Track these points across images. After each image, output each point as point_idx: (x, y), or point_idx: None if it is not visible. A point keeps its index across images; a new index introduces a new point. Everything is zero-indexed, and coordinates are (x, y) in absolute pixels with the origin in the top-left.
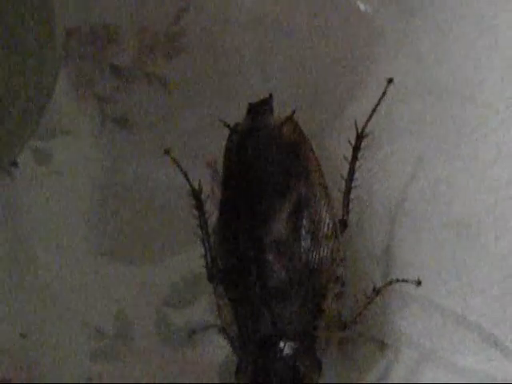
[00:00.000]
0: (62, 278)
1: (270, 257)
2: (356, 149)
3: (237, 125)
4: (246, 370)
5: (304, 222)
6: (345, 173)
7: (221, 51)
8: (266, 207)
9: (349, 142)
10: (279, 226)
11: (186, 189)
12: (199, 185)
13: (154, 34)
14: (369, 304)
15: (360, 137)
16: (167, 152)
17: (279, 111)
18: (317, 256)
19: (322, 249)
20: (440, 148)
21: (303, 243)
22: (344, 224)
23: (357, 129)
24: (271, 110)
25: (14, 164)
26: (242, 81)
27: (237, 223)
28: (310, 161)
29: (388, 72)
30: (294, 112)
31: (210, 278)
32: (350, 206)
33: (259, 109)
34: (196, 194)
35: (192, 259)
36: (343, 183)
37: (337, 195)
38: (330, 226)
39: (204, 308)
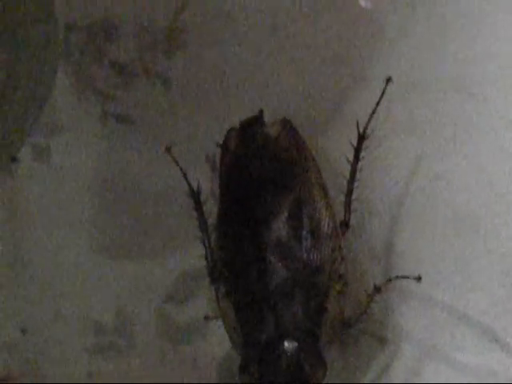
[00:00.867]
0: (62, 274)
1: (272, 257)
2: (358, 150)
3: (231, 129)
4: (250, 371)
5: (304, 221)
6: (343, 171)
7: (221, 47)
8: (265, 208)
9: (350, 143)
10: (279, 226)
11: (186, 187)
12: (198, 186)
13: (154, 30)
14: (370, 302)
15: (362, 138)
16: (168, 150)
17: (278, 110)
18: (318, 255)
19: (323, 248)
20: (439, 144)
21: (304, 243)
22: (346, 225)
23: (358, 129)
24: (262, 125)
25: (14, 160)
26: (241, 77)
27: (236, 225)
28: (308, 161)
29: (387, 68)
30: (285, 119)
31: (212, 280)
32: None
33: (251, 125)
34: (195, 196)
35: (192, 255)
36: (342, 181)
37: (336, 194)
38: (331, 225)
39: (204, 304)
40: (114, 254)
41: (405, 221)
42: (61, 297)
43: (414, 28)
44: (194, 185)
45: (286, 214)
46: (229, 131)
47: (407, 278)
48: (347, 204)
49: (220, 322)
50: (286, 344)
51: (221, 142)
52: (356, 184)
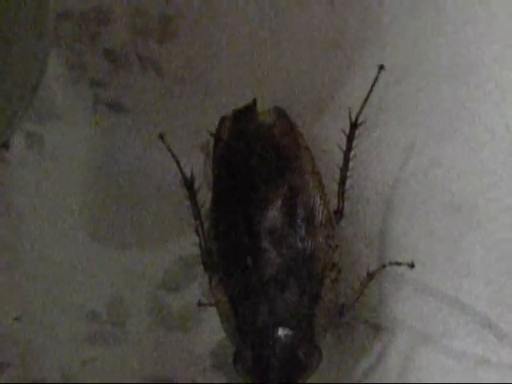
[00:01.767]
0: (56, 263)
1: (266, 245)
2: (350, 138)
3: (224, 118)
4: (244, 359)
5: (298, 209)
6: (337, 159)
7: (214, 34)
8: (259, 196)
9: (342, 131)
10: (273, 215)
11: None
12: (192, 174)
13: (146, 17)
14: (364, 289)
15: (354, 126)
16: (161, 137)
17: (271, 98)
18: (312, 243)
19: (317, 236)
20: (432, 131)
21: (298, 231)
22: (340, 213)
23: (350, 118)
24: (256, 115)
25: (5, 146)
26: (235, 65)
27: (230, 213)
28: (301, 149)
29: (380, 56)
30: (278, 107)
31: (205, 268)
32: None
33: (244, 114)
34: (188, 184)
35: (187, 243)
36: (335, 169)
37: (330, 182)
38: (325, 213)
39: (199, 291)
40: (107, 241)
41: (398, 208)
42: (54, 285)
43: (406, 16)
44: (188, 172)
45: (279, 202)
46: (221, 120)
47: (400, 264)
48: (341, 192)
49: (214, 309)
50: (281, 332)
51: (213, 131)
52: (349, 172)
